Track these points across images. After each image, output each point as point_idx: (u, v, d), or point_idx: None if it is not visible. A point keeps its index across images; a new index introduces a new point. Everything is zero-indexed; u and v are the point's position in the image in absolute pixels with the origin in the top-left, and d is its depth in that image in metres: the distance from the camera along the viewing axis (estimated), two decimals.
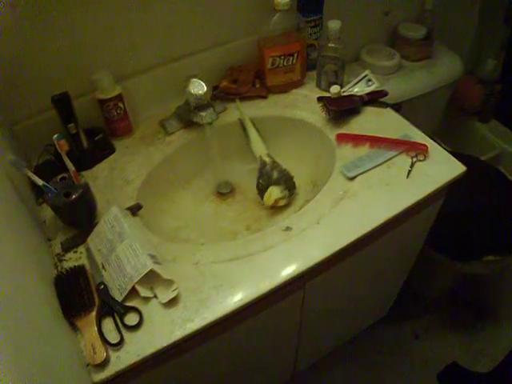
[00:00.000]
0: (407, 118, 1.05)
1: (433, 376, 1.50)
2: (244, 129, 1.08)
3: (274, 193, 0.97)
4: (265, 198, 0.99)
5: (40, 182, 0.81)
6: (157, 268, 0.73)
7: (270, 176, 0.99)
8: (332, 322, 1.21)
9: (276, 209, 1.02)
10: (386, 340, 1.61)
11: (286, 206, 1.02)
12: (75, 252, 0.84)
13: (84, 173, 0.97)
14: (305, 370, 1.42)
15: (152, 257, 0.76)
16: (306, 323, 1.05)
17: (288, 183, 1.00)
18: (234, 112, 1.10)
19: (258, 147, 1.06)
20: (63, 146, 0.79)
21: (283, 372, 1.30)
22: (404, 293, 1.43)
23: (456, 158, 0.95)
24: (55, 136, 0.78)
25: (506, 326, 1.61)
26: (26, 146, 0.99)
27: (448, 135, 1.83)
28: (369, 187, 0.90)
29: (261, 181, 1.01)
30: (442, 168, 0.92)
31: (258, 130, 1.08)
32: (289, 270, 0.78)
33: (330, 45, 1.04)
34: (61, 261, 0.83)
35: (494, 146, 1.77)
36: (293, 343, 1.13)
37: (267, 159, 1.03)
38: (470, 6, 1.57)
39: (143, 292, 0.74)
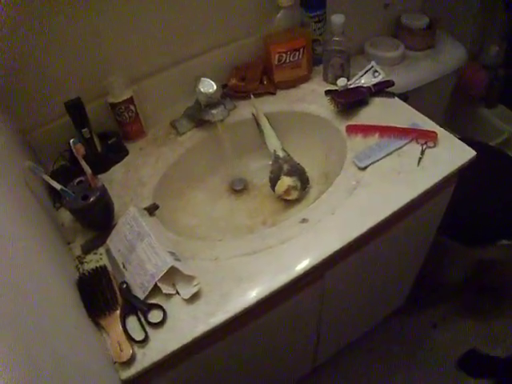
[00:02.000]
0: (414, 107, 1.06)
1: (452, 364, 1.51)
2: (258, 124, 1.09)
3: (286, 181, 0.98)
4: (276, 187, 1.00)
5: (58, 187, 0.83)
6: (177, 265, 0.75)
7: (282, 168, 1.00)
8: (351, 312, 1.22)
9: (290, 203, 1.03)
10: (403, 330, 1.61)
11: (300, 199, 1.03)
12: (95, 254, 0.86)
13: (99, 176, 0.98)
14: (324, 363, 1.42)
15: (172, 254, 0.77)
16: (325, 314, 1.06)
17: (301, 176, 1.01)
18: (244, 109, 1.12)
19: (272, 141, 1.07)
20: (80, 150, 0.80)
21: (303, 364, 1.31)
22: (420, 282, 1.43)
23: (465, 144, 0.95)
24: (72, 140, 0.80)
25: None
26: (41, 153, 1.00)
27: (455, 122, 1.82)
28: (381, 176, 0.91)
29: (273, 173, 1.02)
30: (452, 154, 0.93)
31: (271, 124, 1.09)
32: (307, 261, 0.79)
33: (334, 38, 1.05)
34: (82, 263, 0.85)
35: (501, 130, 1.76)
36: (312, 334, 1.14)
37: (281, 153, 1.04)
38: None
39: (165, 289, 0.76)
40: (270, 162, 1.06)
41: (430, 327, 1.61)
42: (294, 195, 1.01)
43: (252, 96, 1.10)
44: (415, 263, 1.30)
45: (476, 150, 0.93)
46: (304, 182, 1.02)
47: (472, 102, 1.83)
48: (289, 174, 0.99)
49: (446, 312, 1.64)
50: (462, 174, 0.97)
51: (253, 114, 1.10)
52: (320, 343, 1.20)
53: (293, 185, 0.98)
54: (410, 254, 1.21)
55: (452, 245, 1.38)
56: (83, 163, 0.82)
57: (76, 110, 0.92)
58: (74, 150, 0.80)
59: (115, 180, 0.99)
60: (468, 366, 1.49)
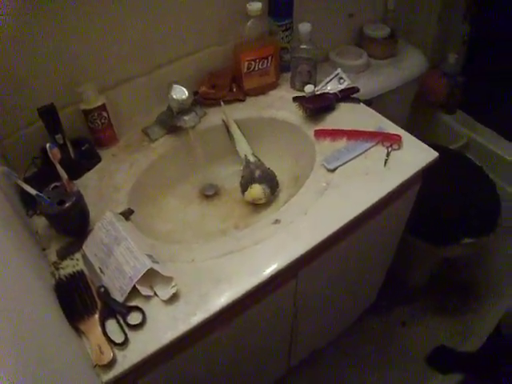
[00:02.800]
0: (379, 113, 1.11)
1: (422, 360, 1.56)
2: (228, 130, 1.11)
3: (256, 189, 1.01)
4: (247, 193, 1.02)
5: (33, 192, 0.83)
6: (156, 266, 0.76)
7: (254, 174, 1.03)
8: (324, 311, 1.25)
9: (261, 206, 1.06)
10: (374, 330, 1.65)
11: (270, 202, 1.06)
12: (71, 259, 0.86)
13: (74, 182, 0.99)
14: (299, 365, 1.45)
15: (149, 256, 0.78)
16: (300, 313, 1.09)
17: (271, 182, 1.04)
18: (215, 116, 1.14)
19: (243, 147, 1.10)
20: (56, 155, 0.80)
21: (278, 365, 1.33)
22: (389, 282, 1.48)
23: None
24: (48, 145, 0.79)
25: (489, 306, 1.68)
26: (13, 159, 1.00)
27: (417, 128, 1.88)
28: (350, 177, 0.95)
29: (244, 179, 1.05)
30: (416, 155, 0.98)
31: (241, 130, 1.11)
32: (281, 260, 0.81)
33: (302, 46, 1.09)
34: (58, 269, 0.85)
35: (461, 135, 1.84)
36: (288, 333, 1.16)
37: (251, 158, 1.07)
38: (431, 4, 1.65)
39: (144, 291, 0.77)
40: (241, 168, 1.09)
41: (399, 325, 1.66)
42: (263, 200, 1.03)
43: (222, 103, 1.13)
44: (384, 261, 1.34)
45: (438, 153, 0.98)
46: (273, 187, 1.04)
47: (433, 107, 1.90)
48: (260, 180, 1.02)
49: (414, 310, 1.70)
50: (425, 176, 1.02)
51: (223, 120, 1.12)
52: (294, 343, 1.23)
53: (262, 194, 1.01)
54: (379, 252, 1.25)
55: (418, 244, 1.43)
56: (59, 168, 0.82)
57: (49, 115, 0.93)
58: (50, 155, 0.80)
59: (89, 186, 0.99)
60: (437, 361, 1.55)
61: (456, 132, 1.85)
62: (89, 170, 1.03)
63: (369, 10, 1.46)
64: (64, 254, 0.87)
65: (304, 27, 1.06)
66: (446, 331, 1.63)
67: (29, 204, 0.93)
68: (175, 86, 0.97)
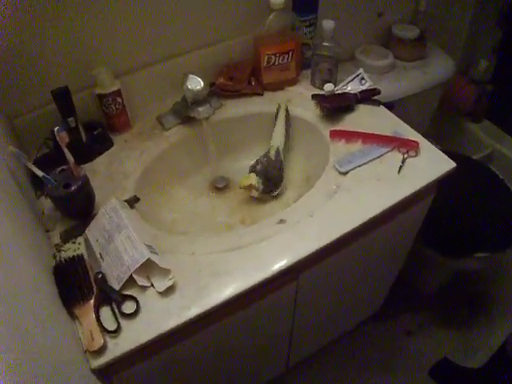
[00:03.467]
0: (399, 117, 1.08)
1: (425, 372, 1.52)
2: (276, 116, 1.08)
3: (249, 179, 1.00)
4: (241, 179, 1.02)
5: (40, 174, 0.83)
6: (154, 257, 0.75)
7: (258, 165, 1.02)
8: (325, 315, 1.24)
9: (270, 203, 1.05)
10: (378, 336, 1.63)
11: (280, 200, 1.05)
12: (74, 243, 0.86)
13: (83, 166, 0.98)
14: (297, 365, 1.44)
15: (149, 247, 0.78)
16: (299, 315, 1.07)
17: (268, 181, 1.02)
18: (231, 108, 1.12)
19: (276, 138, 1.06)
20: (64, 139, 0.80)
21: (277, 364, 1.32)
22: (397, 289, 1.45)
23: (447, 156, 0.97)
24: (56, 128, 0.80)
25: (497, 323, 1.64)
26: (25, 140, 1.00)
27: (440, 135, 1.85)
28: (361, 182, 0.92)
29: (251, 166, 1.04)
30: (432, 164, 0.95)
31: (288, 124, 1.09)
32: (283, 261, 0.80)
33: (324, 44, 1.07)
34: (59, 251, 0.85)
35: (485, 145, 1.79)
36: (286, 335, 1.15)
37: (273, 153, 1.04)
38: (464, 8, 1.60)
39: (140, 281, 0.76)
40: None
41: (404, 334, 1.63)
42: (254, 193, 1.02)
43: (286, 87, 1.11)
44: (392, 270, 1.31)
45: (458, 163, 0.95)
46: (269, 186, 1.03)
47: (458, 115, 1.85)
48: (259, 173, 1.01)
49: (421, 320, 1.66)
50: (443, 185, 0.99)
51: (278, 105, 1.09)
52: (293, 344, 1.21)
53: (255, 185, 1.00)
54: (386, 260, 1.22)
55: (430, 254, 1.40)
56: (66, 152, 0.82)
57: (63, 98, 0.92)
58: (57, 138, 0.80)
59: (98, 171, 0.99)
60: (439, 375, 1.51)
61: (480, 141, 1.81)
62: (100, 154, 1.03)
63: (399, 9, 1.42)
64: (67, 237, 0.87)
65: (327, 24, 1.04)
66: (451, 344, 1.60)
67: (38, 185, 0.94)
68: (191, 76, 0.95)
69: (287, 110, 1.09)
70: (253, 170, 1.03)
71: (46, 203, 0.92)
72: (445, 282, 1.65)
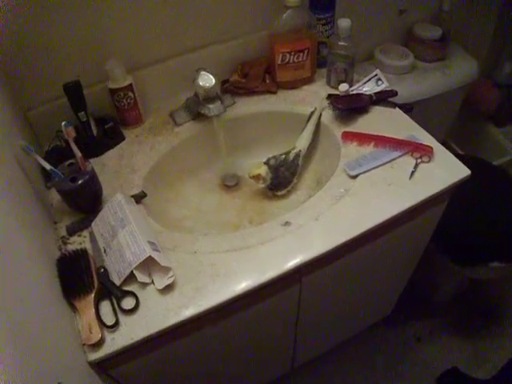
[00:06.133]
0: (419, 120, 1.05)
1: (432, 380, 1.50)
2: (309, 119, 1.06)
3: (258, 169, 1.00)
4: (252, 168, 1.02)
5: (48, 167, 0.84)
6: (155, 255, 0.75)
7: (272, 159, 1.02)
8: (329, 320, 1.22)
9: (279, 204, 1.04)
10: (387, 341, 1.61)
11: (291, 201, 1.04)
12: (79, 236, 0.87)
13: (93, 160, 1.00)
14: (303, 367, 1.43)
15: (151, 244, 0.77)
16: (303, 319, 1.06)
17: (277, 178, 1.02)
18: (244, 106, 1.11)
19: (301, 141, 1.05)
20: (70, 133, 0.81)
21: (281, 365, 1.31)
22: (408, 294, 1.43)
23: (467, 161, 0.94)
24: (63, 123, 0.80)
25: (509, 334, 1.60)
26: (39, 132, 1.01)
27: (461, 139, 1.81)
28: (370, 186, 0.90)
29: (268, 158, 1.03)
30: (446, 170, 0.92)
31: (317, 130, 1.07)
32: (285, 264, 0.79)
33: (340, 43, 1.04)
34: (65, 243, 0.86)
35: (508, 150, 1.74)
36: (290, 337, 1.14)
37: (292, 155, 1.03)
38: (489, 9, 1.55)
39: (141, 278, 0.76)
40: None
41: (414, 341, 1.60)
42: (260, 183, 1.01)
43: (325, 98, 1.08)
44: (401, 277, 1.29)
45: (477, 168, 0.92)
46: (276, 184, 1.02)
47: (480, 118, 1.80)
48: (270, 167, 1.00)
49: (431, 327, 1.63)
50: (460, 190, 0.95)
51: (315, 108, 1.07)
52: (298, 345, 1.20)
53: (263, 176, 0.99)
54: (395, 267, 1.20)
55: (443, 261, 1.36)
56: (73, 146, 0.83)
57: (74, 92, 0.93)
58: (64, 133, 0.80)
59: (108, 165, 1.00)
60: None
61: (502, 147, 1.75)
62: (111, 148, 1.04)
63: (421, 8, 1.38)
64: (73, 230, 0.88)
65: (343, 23, 1.01)
66: (462, 353, 1.56)
67: (48, 177, 0.94)
68: (202, 72, 0.95)
69: (320, 117, 1.06)
70: (267, 162, 1.02)
71: (56, 195, 0.92)
72: (457, 290, 1.61)
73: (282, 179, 1.02)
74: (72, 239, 0.87)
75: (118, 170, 0.99)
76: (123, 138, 1.05)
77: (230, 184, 1.11)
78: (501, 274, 1.39)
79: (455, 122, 1.65)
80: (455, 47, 1.45)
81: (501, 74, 1.70)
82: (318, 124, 1.06)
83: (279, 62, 1.09)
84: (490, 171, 1.48)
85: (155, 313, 0.74)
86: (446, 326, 1.63)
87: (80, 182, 0.84)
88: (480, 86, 1.70)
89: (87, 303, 0.75)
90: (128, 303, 0.75)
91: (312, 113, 1.06)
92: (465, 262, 1.34)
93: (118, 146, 1.04)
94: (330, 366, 1.54)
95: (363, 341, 1.57)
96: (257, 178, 1.01)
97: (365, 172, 0.92)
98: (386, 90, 1.08)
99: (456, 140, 1.80)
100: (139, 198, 0.91)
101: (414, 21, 1.39)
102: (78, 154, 0.84)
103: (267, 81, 1.14)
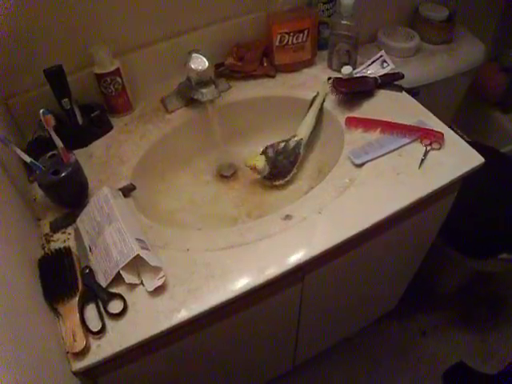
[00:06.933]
0: (424, 104, 0.98)
1: (438, 374, 1.45)
2: (311, 104, 1.00)
3: (255, 160, 0.95)
4: (250, 157, 0.96)
5: (27, 159, 0.78)
6: (144, 254, 0.69)
7: (270, 149, 0.96)
8: (333, 317, 1.17)
9: (279, 195, 0.98)
10: (391, 335, 1.55)
11: (291, 192, 0.98)
12: (64, 233, 0.81)
13: (78, 151, 0.93)
14: (305, 363, 1.38)
15: (140, 241, 0.71)
16: (304, 317, 1.00)
17: (275, 169, 0.96)
18: (240, 91, 1.05)
19: (302, 128, 0.98)
20: (49, 121, 0.74)
21: (282, 363, 1.26)
22: (414, 287, 1.37)
23: (474, 148, 0.88)
24: (41, 110, 0.73)
25: None
26: (22, 122, 0.95)
27: (467, 124, 1.74)
28: (377, 176, 0.84)
29: (266, 147, 0.97)
30: (457, 158, 0.86)
31: (320, 117, 1.00)
32: (285, 262, 0.72)
33: (342, 22, 0.97)
34: (48, 241, 0.80)
35: None
36: (291, 336, 1.08)
37: (292, 142, 0.97)
38: None
39: (129, 278, 0.70)
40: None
41: (419, 335, 1.55)
42: (256, 175, 0.97)
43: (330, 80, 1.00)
44: (408, 270, 1.23)
45: (485, 156, 0.86)
46: (274, 174, 0.96)
47: (486, 104, 1.74)
48: (268, 159, 0.95)
49: (437, 320, 1.58)
50: (468, 180, 0.89)
51: (318, 93, 1.00)
52: (299, 343, 1.15)
53: (260, 167, 0.94)
54: (402, 261, 1.14)
55: (450, 253, 1.31)
56: (54, 136, 0.76)
57: (56, 78, 0.86)
58: (43, 121, 0.73)
59: (94, 155, 0.94)
60: (454, 379, 1.44)
61: (509, 133, 1.69)
62: (98, 137, 0.97)
63: None
64: (57, 227, 0.82)
65: (346, 0, 0.94)
66: (468, 348, 1.51)
67: (31, 170, 0.88)
68: (194, 54, 0.88)
69: (323, 102, 0.99)
70: (265, 151, 0.96)
71: (40, 190, 0.86)
72: (464, 283, 1.56)
73: (281, 168, 0.96)
74: (56, 236, 0.81)
75: (105, 160, 0.92)
76: (111, 127, 0.99)
77: (227, 174, 1.04)
78: (509, 266, 1.33)
79: (461, 107, 1.59)
80: (462, 29, 1.39)
81: (508, 58, 1.63)
82: (321, 110, 0.99)
83: (277, 44, 1.02)
84: (498, 158, 1.41)
85: (145, 317, 0.68)
86: (452, 320, 1.58)
87: (62, 174, 0.77)
88: (486, 70, 1.63)
89: (71, 307, 0.69)
90: (115, 307, 0.69)
91: (314, 98, 0.99)
92: (473, 254, 1.29)
93: (106, 135, 0.98)
94: (333, 362, 1.49)
95: (366, 336, 1.52)
96: (253, 168, 0.95)
97: (371, 160, 0.86)
98: (391, 73, 1.02)
99: (461, 126, 1.74)
100: (127, 191, 0.84)
101: (419, 1, 1.32)
102: (60, 144, 0.77)
103: (265, 64, 1.07)
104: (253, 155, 0.96)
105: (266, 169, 0.94)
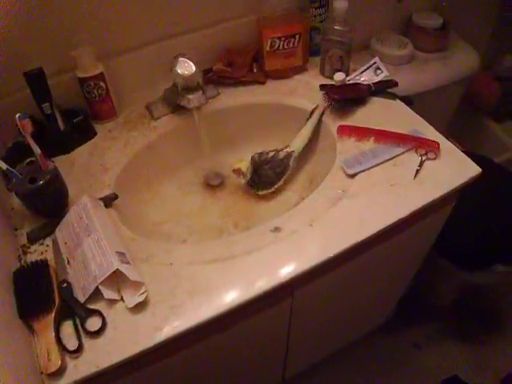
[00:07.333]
0: (417, 113, 0.96)
1: None
2: (309, 117, 0.96)
3: (242, 164, 0.93)
4: (235, 161, 0.94)
5: (4, 166, 0.73)
6: (124, 268, 0.65)
7: (258, 157, 0.94)
8: (324, 331, 1.13)
9: (268, 206, 0.94)
10: (384, 348, 1.52)
11: (281, 203, 0.94)
12: (41, 244, 0.77)
13: (60, 157, 0.90)
14: (296, 377, 1.33)
15: (120, 254, 0.67)
16: (294, 332, 0.96)
17: (257, 178, 0.94)
18: (229, 98, 1.02)
19: (296, 140, 0.95)
20: (26, 127, 0.70)
21: (270, 378, 1.22)
22: (407, 299, 1.34)
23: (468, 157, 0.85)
24: (18, 115, 0.69)
25: (511, 340, 1.52)
26: (1, 128, 0.90)
27: (460, 134, 1.72)
28: (371, 187, 0.80)
29: (256, 153, 0.95)
30: (454, 169, 0.83)
31: (316, 131, 0.96)
32: (274, 277, 0.69)
33: (335, 27, 0.95)
34: (25, 253, 0.76)
35: (508, 147, 1.66)
36: (280, 351, 1.04)
37: (282, 154, 0.94)
38: None
39: (108, 294, 0.66)
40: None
41: (412, 347, 1.52)
42: (240, 178, 0.94)
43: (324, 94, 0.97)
44: (401, 283, 1.20)
45: (479, 166, 0.83)
46: (255, 182, 0.94)
47: (480, 113, 1.72)
48: (254, 163, 0.93)
49: (430, 332, 1.55)
50: (461, 191, 0.87)
51: (317, 106, 0.97)
52: (289, 357, 1.11)
53: (243, 171, 0.92)
54: (396, 273, 1.11)
55: (444, 264, 1.28)
56: (31, 142, 0.72)
57: (36, 81, 0.83)
58: (19, 127, 0.69)
59: (77, 163, 0.90)
60: None
61: (503, 143, 1.67)
62: (80, 144, 0.93)
63: None
64: (34, 238, 0.78)
65: (339, 4, 0.91)
66: (462, 360, 1.48)
67: (8, 178, 0.84)
68: (181, 59, 0.84)
69: (322, 116, 0.96)
70: (253, 157, 0.94)
71: (17, 198, 0.82)
72: (458, 294, 1.53)
73: (263, 178, 0.93)
74: (33, 248, 0.76)
75: (87, 168, 0.88)
76: (94, 133, 0.95)
77: (214, 184, 1.00)
78: (504, 278, 1.31)
79: (453, 116, 1.57)
80: (456, 37, 1.37)
81: (501, 67, 1.63)
82: (319, 123, 0.95)
83: (268, 49, 0.99)
84: (492, 168, 1.39)
85: (124, 335, 0.63)
86: (446, 332, 1.55)
87: (40, 182, 0.73)
88: (480, 79, 1.62)
89: (46, 324, 0.65)
90: (93, 324, 0.65)
91: (313, 110, 0.96)
92: (467, 266, 1.26)
93: (89, 141, 0.94)
94: (324, 376, 1.45)
95: (358, 349, 1.48)
96: (237, 171, 0.93)
97: (364, 170, 0.83)
98: (385, 80, 0.99)
99: (453, 135, 1.72)
100: (109, 201, 0.80)
101: (413, 9, 1.30)
102: (37, 150, 0.73)
103: (255, 70, 1.04)
104: (239, 159, 0.94)
105: (248, 173, 0.92)
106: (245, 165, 0.92)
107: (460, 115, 1.65)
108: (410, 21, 1.31)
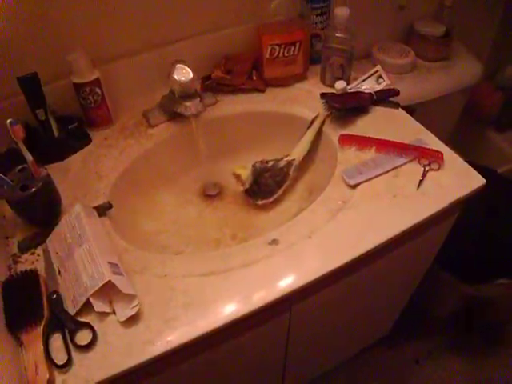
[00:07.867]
0: (419, 123, 0.94)
1: None
2: (309, 125, 0.95)
3: (242, 171, 0.92)
4: (237, 166, 0.94)
5: None
6: (116, 280, 0.62)
7: (259, 165, 0.92)
8: (321, 345, 1.10)
9: (267, 218, 0.92)
10: (384, 362, 1.49)
11: (280, 214, 0.92)
12: (32, 254, 0.74)
13: (54, 165, 0.88)
14: None
15: (113, 265, 0.65)
16: (292, 347, 0.94)
17: (256, 186, 0.92)
18: (228, 105, 1.00)
19: (297, 150, 0.93)
20: (18, 133, 0.68)
21: None
22: (408, 312, 1.31)
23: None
24: (9, 120, 0.67)
25: None
26: None
27: (462, 144, 1.70)
28: (372, 198, 0.78)
29: (258, 161, 0.93)
30: (458, 180, 0.81)
31: (317, 137, 0.94)
32: (271, 291, 0.66)
33: (336, 35, 0.93)
34: (16, 262, 0.73)
35: (510, 157, 1.64)
36: (278, 365, 1.02)
37: (283, 162, 0.92)
38: (493, 7, 1.45)
39: (99, 306, 0.63)
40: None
41: (412, 362, 1.49)
42: (239, 187, 0.93)
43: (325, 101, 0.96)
44: (403, 296, 1.17)
45: (483, 176, 0.82)
46: (254, 191, 0.92)
47: (481, 123, 1.71)
48: (255, 171, 0.91)
49: (431, 347, 1.52)
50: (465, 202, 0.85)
51: (318, 114, 0.95)
52: (287, 372, 1.08)
53: (242, 178, 0.91)
54: (397, 287, 1.08)
55: (445, 277, 1.26)
56: (23, 148, 0.70)
57: (31, 87, 0.81)
58: (11, 133, 0.67)
59: (71, 170, 0.87)
60: None
61: (505, 153, 1.66)
62: (75, 152, 0.91)
63: (422, 3, 1.28)
64: (25, 247, 0.75)
65: (341, 12, 0.90)
66: (463, 376, 1.45)
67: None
68: (178, 65, 0.82)
69: (322, 125, 0.94)
70: (254, 164, 0.92)
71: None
72: (459, 308, 1.50)
73: (263, 186, 0.91)
74: (24, 257, 0.74)
75: (82, 176, 0.86)
76: (89, 141, 0.93)
77: (212, 193, 0.98)
78: (507, 291, 1.28)
79: (455, 126, 1.55)
80: (458, 46, 1.35)
81: (504, 76, 1.61)
82: (320, 132, 0.93)
83: (267, 56, 0.97)
84: (494, 179, 1.37)
85: (115, 350, 0.61)
86: (446, 346, 1.52)
87: (32, 190, 0.71)
88: (481, 89, 1.60)
89: (35, 337, 0.62)
90: (83, 337, 0.62)
91: (314, 118, 0.94)
92: (469, 279, 1.24)
93: (84, 149, 0.92)
94: None
95: (358, 364, 1.45)
96: (237, 177, 0.91)
97: (366, 181, 0.81)
98: (387, 89, 0.97)
99: (455, 145, 1.70)
100: (103, 210, 0.78)
101: (415, 17, 1.29)
102: (29, 157, 0.71)
103: (254, 77, 1.03)
104: (242, 165, 0.92)
105: (247, 181, 0.90)
106: (245, 173, 0.90)
107: (461, 125, 1.63)
108: (412, 29, 1.29)
